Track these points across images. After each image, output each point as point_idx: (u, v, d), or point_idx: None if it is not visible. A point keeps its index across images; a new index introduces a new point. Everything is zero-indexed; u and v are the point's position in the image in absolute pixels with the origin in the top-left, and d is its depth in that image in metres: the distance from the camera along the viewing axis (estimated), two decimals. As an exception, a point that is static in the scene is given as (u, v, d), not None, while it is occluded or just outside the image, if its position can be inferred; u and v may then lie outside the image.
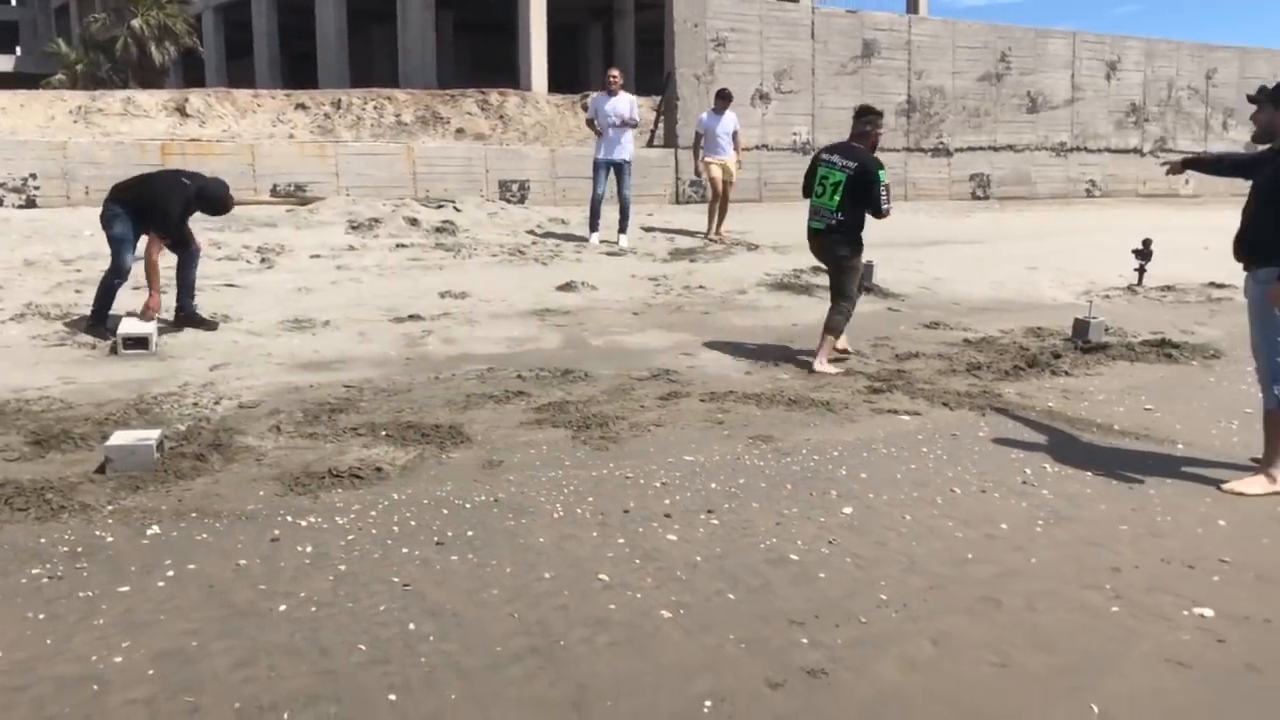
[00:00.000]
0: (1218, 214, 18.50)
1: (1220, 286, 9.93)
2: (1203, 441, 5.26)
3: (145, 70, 27.99)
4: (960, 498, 4.39)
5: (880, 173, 6.40)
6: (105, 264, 6.88)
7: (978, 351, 7.09)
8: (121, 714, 2.66)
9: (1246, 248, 4.63)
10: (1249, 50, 23.09)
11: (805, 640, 3.14)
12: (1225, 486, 4.54)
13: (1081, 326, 7.38)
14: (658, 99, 16.76)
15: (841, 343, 6.79)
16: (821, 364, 6.45)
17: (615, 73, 11.62)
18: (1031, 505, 4.33)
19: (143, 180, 7.06)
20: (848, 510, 4.20)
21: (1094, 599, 3.48)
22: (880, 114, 6.84)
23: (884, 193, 6.39)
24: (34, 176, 11.64)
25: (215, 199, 6.77)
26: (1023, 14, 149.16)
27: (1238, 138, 22.86)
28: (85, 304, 7.04)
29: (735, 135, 12.25)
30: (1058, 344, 7.27)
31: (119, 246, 6.75)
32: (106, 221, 6.80)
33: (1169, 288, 9.93)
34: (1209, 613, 3.38)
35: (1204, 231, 14.76)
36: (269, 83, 30.38)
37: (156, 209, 6.60)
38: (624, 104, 11.46)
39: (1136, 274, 9.97)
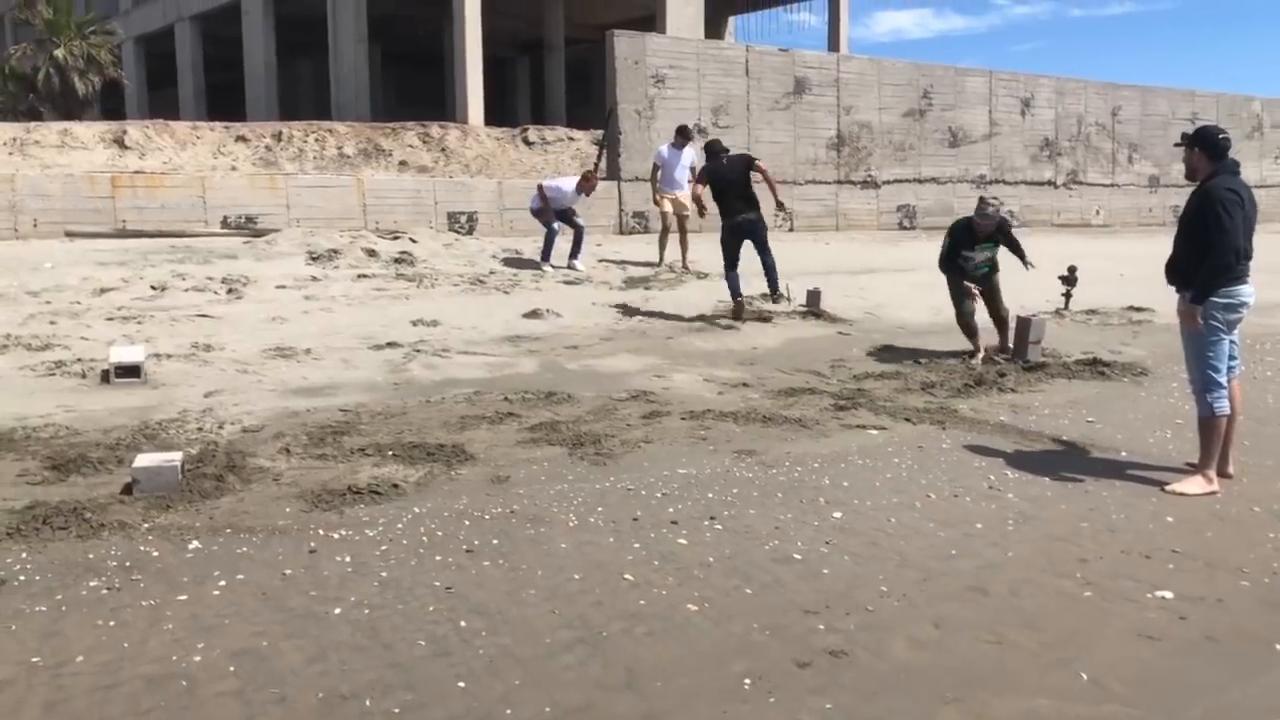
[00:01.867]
0: (1128, 243, 19.62)
1: (1139, 310, 10.64)
2: (1142, 449, 5.76)
3: (68, 101, 27.47)
4: (936, 502, 4.79)
5: None
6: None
7: (929, 372, 7.56)
8: (215, 704, 2.87)
9: (1171, 274, 5.21)
10: (1150, 89, 24.48)
11: (822, 626, 3.48)
12: (1169, 488, 5.01)
13: (1024, 324, 7.92)
14: (594, 133, 17.17)
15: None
16: None
17: (595, 181, 12.02)
18: (1000, 507, 4.74)
19: None
20: (838, 515, 4.56)
21: (1068, 586, 3.89)
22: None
23: None
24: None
25: None
26: (932, 51, 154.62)
27: (1143, 170, 24.19)
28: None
29: (693, 169, 12.45)
30: (1002, 363, 7.78)
31: None
32: None
33: (1093, 311, 10.59)
34: (1169, 595, 3.80)
35: (1118, 259, 15.69)
36: (193, 114, 30.11)
37: None
38: (576, 198, 11.94)
39: (1064, 299, 10.61)
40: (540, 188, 12.12)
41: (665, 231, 12.46)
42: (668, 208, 12.28)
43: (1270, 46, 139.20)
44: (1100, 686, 3.14)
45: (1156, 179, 24.44)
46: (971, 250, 7.90)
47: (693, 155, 12.55)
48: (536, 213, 12.01)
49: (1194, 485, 5.02)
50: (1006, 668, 3.26)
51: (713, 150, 9.60)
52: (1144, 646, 3.42)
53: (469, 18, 23.36)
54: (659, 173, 12.34)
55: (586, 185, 11.94)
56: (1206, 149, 5.02)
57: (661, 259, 12.43)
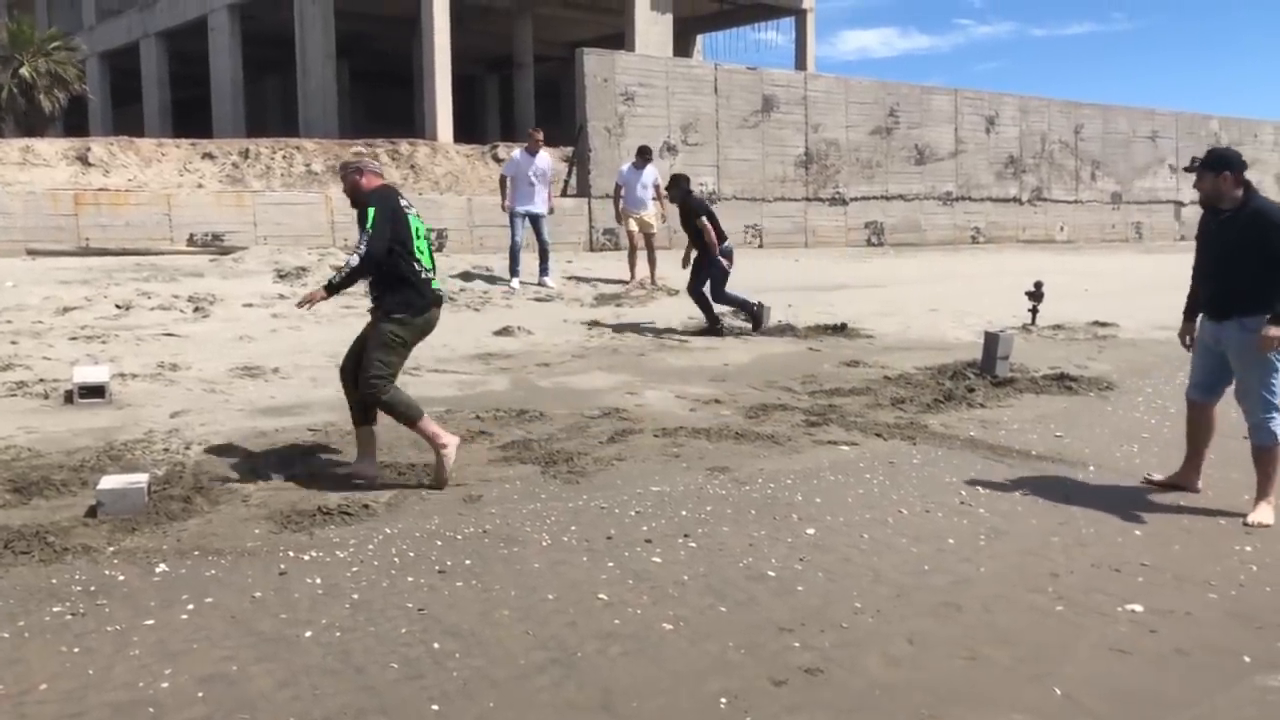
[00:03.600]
0: (1092, 258, 19.91)
1: (1104, 325, 10.78)
2: (1110, 463, 5.82)
3: (31, 118, 27.13)
4: (908, 517, 4.80)
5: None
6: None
7: (899, 387, 7.60)
8: (184, 732, 2.82)
9: (1229, 300, 4.93)
10: (1111, 108, 24.89)
11: (797, 644, 3.47)
12: (1249, 520, 4.81)
13: (992, 339, 7.99)
14: (564, 149, 17.21)
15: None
16: None
17: (540, 134, 12.06)
18: (972, 522, 4.77)
19: None
20: (811, 531, 4.56)
21: (1040, 600, 3.91)
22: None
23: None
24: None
25: None
26: (897, 69, 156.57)
27: (1105, 187, 24.54)
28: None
29: (656, 187, 12.63)
30: (971, 379, 7.84)
31: None
32: None
33: (1059, 326, 10.71)
34: (1139, 608, 3.83)
35: (1082, 275, 15.91)
36: (159, 130, 29.83)
37: None
38: (544, 162, 11.96)
39: (1030, 314, 10.72)
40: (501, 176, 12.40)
41: (634, 250, 12.53)
42: (633, 227, 12.41)
43: (1226, 67, 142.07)
44: (1074, 701, 3.16)
45: (1119, 195, 24.82)
46: None
47: (654, 174, 12.67)
48: (502, 180, 12.22)
49: (1268, 513, 4.86)
50: (981, 684, 3.26)
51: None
52: (1116, 660, 3.44)
53: (438, 35, 23.36)
54: (621, 192, 12.46)
55: (533, 144, 11.97)
56: (1237, 171, 4.89)
57: (633, 276, 12.47)
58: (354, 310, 9.73)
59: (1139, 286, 14.41)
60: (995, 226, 22.10)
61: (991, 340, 8.09)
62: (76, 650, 3.25)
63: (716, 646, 3.43)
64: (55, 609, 3.52)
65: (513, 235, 11.92)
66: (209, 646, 3.30)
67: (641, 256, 12.48)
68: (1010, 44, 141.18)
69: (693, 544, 4.36)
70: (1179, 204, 25.75)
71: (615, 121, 16.33)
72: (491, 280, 11.90)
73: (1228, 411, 7.08)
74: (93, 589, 3.69)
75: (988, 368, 8.03)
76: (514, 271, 11.82)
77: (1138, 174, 25.13)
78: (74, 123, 32.79)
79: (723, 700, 3.09)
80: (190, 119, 31.00)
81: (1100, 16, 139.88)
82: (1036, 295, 10.65)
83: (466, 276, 12.10)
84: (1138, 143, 25.10)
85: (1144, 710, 3.14)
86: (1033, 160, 22.93)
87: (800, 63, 31.63)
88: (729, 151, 17.87)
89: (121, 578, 3.80)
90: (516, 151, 12.71)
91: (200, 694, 3.01)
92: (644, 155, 12.56)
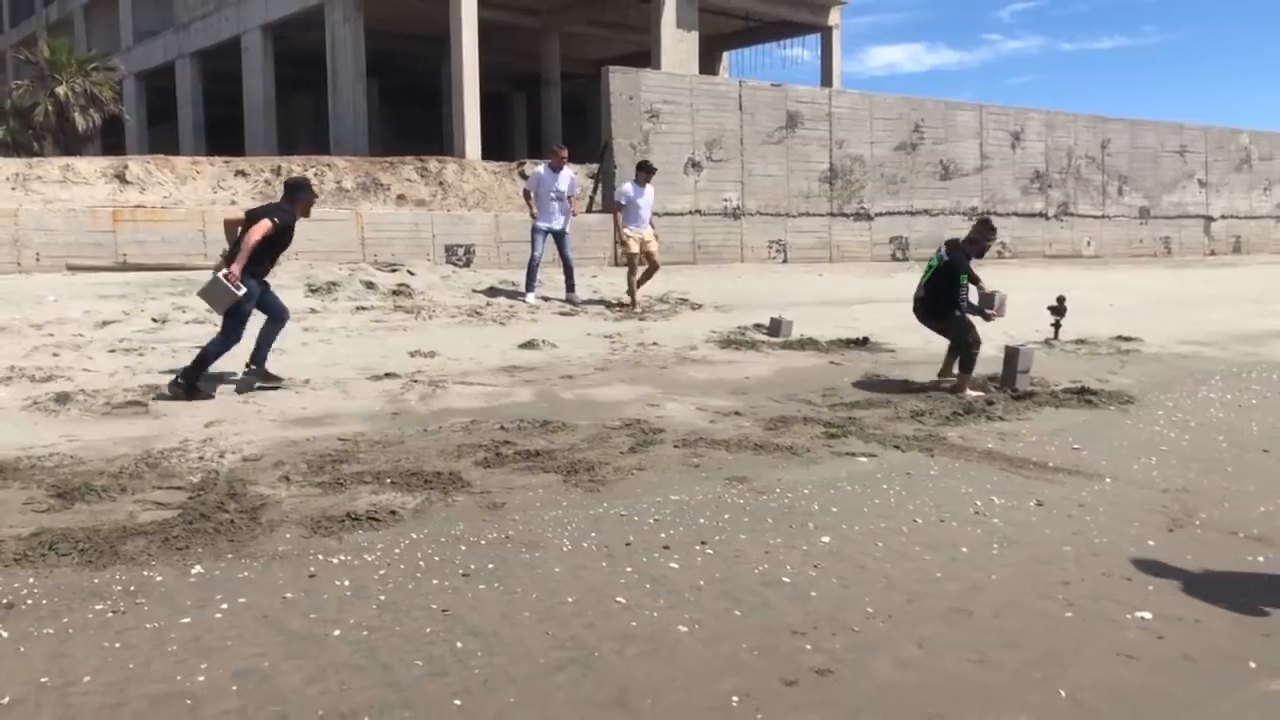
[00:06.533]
0: (1118, 273, 19.84)
1: (1127, 339, 10.78)
2: (1127, 476, 5.87)
3: (69, 137, 27.76)
4: (923, 527, 4.89)
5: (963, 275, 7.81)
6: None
7: (919, 400, 7.67)
8: (218, 723, 2.96)
9: None
10: (1139, 122, 24.80)
11: (809, 647, 3.57)
12: None
13: (1012, 353, 8.05)
14: (591, 166, 17.40)
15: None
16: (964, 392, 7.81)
17: (564, 151, 12.21)
18: (985, 532, 4.84)
19: None
20: (826, 539, 4.66)
21: (1050, 607, 3.98)
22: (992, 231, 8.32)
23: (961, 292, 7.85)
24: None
25: None
26: (925, 85, 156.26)
27: (1132, 202, 24.46)
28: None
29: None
30: (991, 392, 7.90)
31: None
32: None
33: (1082, 341, 10.72)
34: (1148, 615, 3.90)
35: (1107, 290, 15.88)
36: (192, 148, 30.39)
37: None
38: (565, 180, 12.10)
39: (1053, 328, 10.75)
40: (524, 191, 12.58)
41: (633, 270, 12.09)
42: (634, 247, 11.93)
43: (1257, 81, 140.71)
44: (1080, 704, 3.24)
45: (1147, 210, 24.71)
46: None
47: (652, 193, 12.32)
48: (526, 195, 12.47)
49: None
50: (989, 687, 3.35)
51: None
52: (1123, 665, 3.51)
53: (467, 53, 23.67)
54: (624, 211, 12.01)
55: (557, 160, 12.12)
56: None
57: (634, 299, 12.02)
58: (384, 324, 9.94)
59: (1165, 301, 14.38)
60: (1021, 242, 22.06)
61: (1012, 354, 8.15)
62: (117, 645, 3.40)
63: (730, 648, 3.54)
64: (97, 607, 3.68)
65: (532, 250, 12.07)
66: (242, 644, 3.44)
67: (642, 272, 12.11)
68: (1039, 58, 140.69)
69: (710, 551, 4.46)
70: (1208, 219, 25.59)
71: (640, 138, 16.50)
72: (516, 295, 12.07)
73: (1246, 424, 7.14)
74: (132, 589, 3.85)
75: (1008, 381, 8.09)
76: (530, 286, 11.95)
77: (1166, 189, 25.00)
78: (111, 141, 33.49)
79: (734, 699, 3.20)
80: (223, 136, 31.58)
81: (1131, 30, 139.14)
82: (1059, 310, 10.68)
83: (492, 292, 12.28)
84: (1166, 157, 24.99)
85: (1149, 713, 3.22)
86: (1059, 175, 22.88)
87: (826, 79, 31.75)
88: (753, 167, 18.00)
89: (159, 578, 3.95)
90: (540, 167, 12.85)
91: (234, 688, 3.15)
92: (648, 171, 12.13)
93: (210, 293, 7.03)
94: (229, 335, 7.01)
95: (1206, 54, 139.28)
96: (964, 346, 8.01)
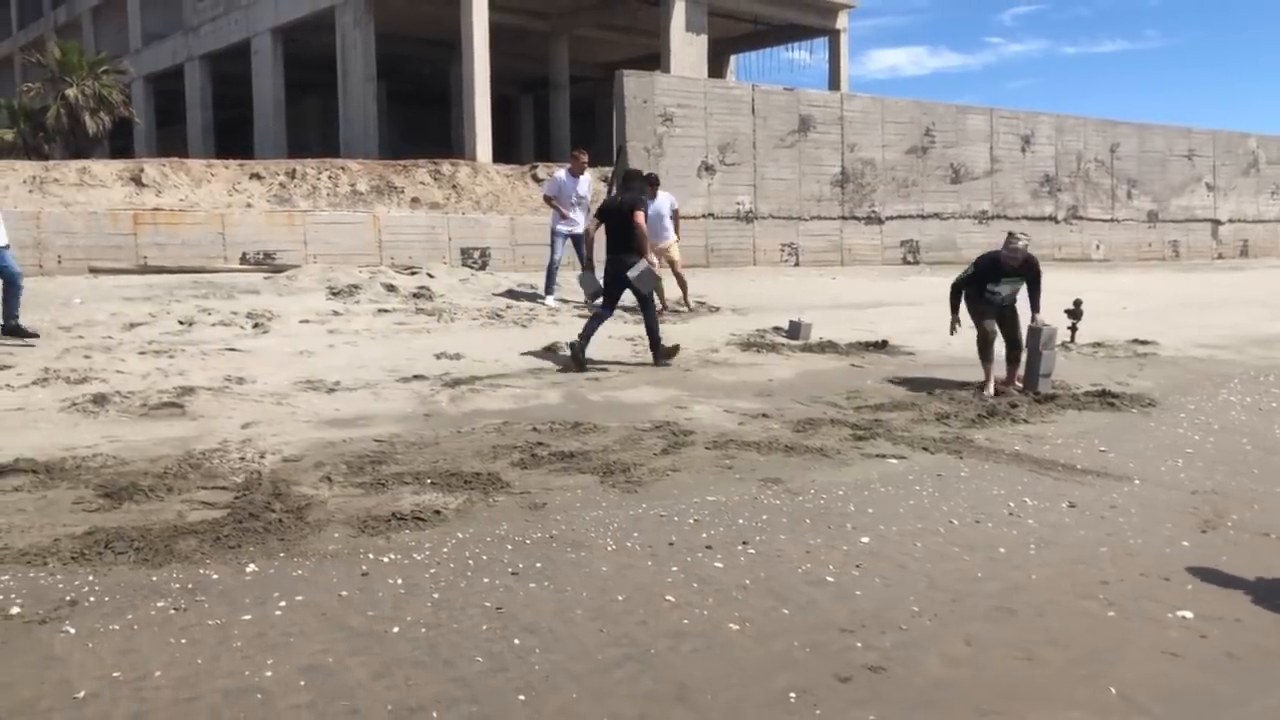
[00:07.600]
0: (1129, 277, 19.89)
1: (1144, 343, 10.85)
2: (1154, 477, 5.93)
3: (78, 139, 27.86)
4: (959, 527, 4.95)
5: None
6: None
7: (942, 402, 7.74)
8: (292, 716, 3.03)
9: None
10: (1147, 126, 24.88)
11: (859, 644, 3.63)
12: None
13: (1034, 357, 8.14)
14: (602, 170, 17.47)
15: None
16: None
17: (584, 156, 12.27)
18: (1021, 533, 4.91)
19: None
20: (865, 540, 4.72)
21: (1092, 607, 4.05)
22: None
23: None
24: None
25: None
26: (928, 88, 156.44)
27: (1141, 206, 24.53)
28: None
29: (675, 213, 12.28)
30: (1014, 394, 7.96)
31: None
32: None
33: (1099, 344, 10.79)
34: (1189, 614, 3.96)
35: (1119, 293, 15.94)
36: (201, 150, 30.50)
37: None
38: (585, 184, 12.19)
39: (1070, 332, 10.81)
40: (545, 196, 12.66)
41: (676, 274, 12.25)
42: (653, 258, 11.88)
43: (1263, 84, 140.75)
44: (1129, 700, 3.30)
45: (1155, 214, 24.78)
46: (997, 284, 8.15)
47: (670, 199, 12.30)
48: (546, 198, 12.56)
49: None
50: (1038, 683, 3.41)
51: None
52: (1168, 663, 3.58)
53: (478, 57, 23.77)
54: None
55: (577, 165, 12.19)
56: None
57: (663, 304, 11.84)
58: (407, 326, 10.02)
59: (1175, 305, 14.43)
60: (1031, 245, 22.06)
61: (1034, 357, 8.22)
62: (184, 642, 3.47)
63: (782, 645, 3.60)
64: (159, 604, 3.75)
65: (552, 254, 12.15)
66: (304, 640, 3.51)
67: (670, 281, 12.21)
68: (1042, 62, 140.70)
69: (751, 550, 4.53)
70: (1216, 222, 25.65)
71: (654, 142, 16.58)
72: (535, 297, 12.15)
73: (1269, 427, 7.20)
74: (190, 587, 3.91)
75: (1030, 384, 8.15)
76: (549, 289, 12.04)
77: (1174, 192, 25.07)
78: (119, 144, 33.61)
79: (792, 695, 3.26)
80: (231, 138, 31.70)
81: (1133, 34, 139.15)
82: (1076, 313, 10.74)
83: (512, 294, 12.35)
84: (1174, 161, 25.06)
85: (1198, 710, 3.28)
86: (1068, 179, 22.96)
87: (834, 82, 31.83)
88: (766, 171, 18.08)
89: (215, 576, 4.02)
90: (560, 172, 12.89)
91: (302, 683, 3.22)
92: (653, 184, 11.84)
93: (644, 278, 8.77)
94: (650, 305, 8.95)
95: (1209, 59, 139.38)
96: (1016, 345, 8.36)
